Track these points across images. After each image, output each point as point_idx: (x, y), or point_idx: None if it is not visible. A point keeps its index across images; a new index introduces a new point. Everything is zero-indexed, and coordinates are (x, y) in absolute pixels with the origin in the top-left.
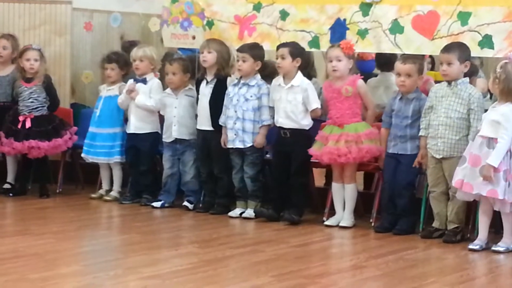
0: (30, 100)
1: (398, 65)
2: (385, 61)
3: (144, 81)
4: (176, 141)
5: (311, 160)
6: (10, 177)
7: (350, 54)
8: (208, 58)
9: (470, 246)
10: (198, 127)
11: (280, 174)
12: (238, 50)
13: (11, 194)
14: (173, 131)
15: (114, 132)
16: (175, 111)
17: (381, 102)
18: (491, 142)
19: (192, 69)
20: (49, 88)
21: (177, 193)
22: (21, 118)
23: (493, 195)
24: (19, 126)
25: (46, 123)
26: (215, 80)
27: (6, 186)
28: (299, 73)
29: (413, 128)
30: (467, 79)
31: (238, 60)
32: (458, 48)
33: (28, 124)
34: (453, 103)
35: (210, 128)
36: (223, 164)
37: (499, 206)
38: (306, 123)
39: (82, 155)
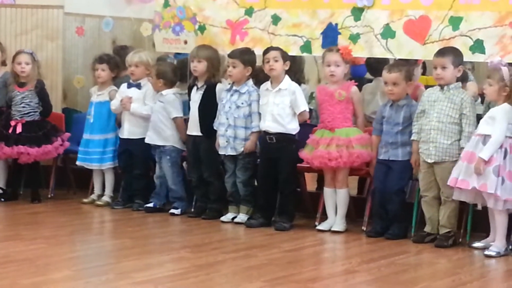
0: (22, 105)
1: (384, 74)
2: (376, 67)
3: (139, 86)
4: (154, 146)
5: (302, 165)
6: (1, 182)
7: (348, 59)
8: (199, 68)
9: (486, 252)
10: (189, 133)
11: (266, 182)
12: (228, 56)
13: (2, 199)
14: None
15: (105, 138)
16: (152, 116)
17: (378, 109)
18: (486, 139)
19: (183, 73)
20: (41, 93)
21: (167, 196)
22: (12, 123)
23: (484, 189)
24: (10, 131)
25: (37, 129)
26: (204, 86)
27: None
28: (287, 77)
29: (404, 134)
30: (460, 83)
31: (228, 66)
32: (452, 53)
33: (19, 129)
34: (445, 107)
35: (199, 133)
36: (212, 169)
37: (492, 203)
38: (293, 127)
39: (77, 162)
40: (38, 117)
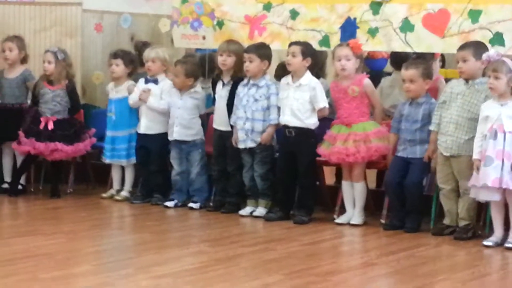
0: (54, 103)
1: (402, 71)
2: (399, 60)
3: (156, 82)
4: (180, 141)
5: (320, 158)
6: (7, 176)
7: (358, 53)
8: (228, 62)
9: (485, 242)
10: (215, 127)
11: (285, 175)
12: (244, 51)
13: (14, 195)
14: (174, 132)
15: (129, 134)
16: (178, 112)
17: (397, 103)
18: None
19: (202, 68)
20: (73, 93)
21: (187, 192)
22: (43, 120)
23: None
24: (41, 127)
25: (68, 127)
26: (231, 82)
27: (5, 186)
28: (308, 72)
29: (423, 132)
30: (486, 79)
31: (245, 61)
32: (473, 45)
33: (50, 126)
34: (468, 103)
35: (227, 128)
36: (237, 162)
37: None
38: (311, 122)
39: (106, 160)
40: (67, 115)
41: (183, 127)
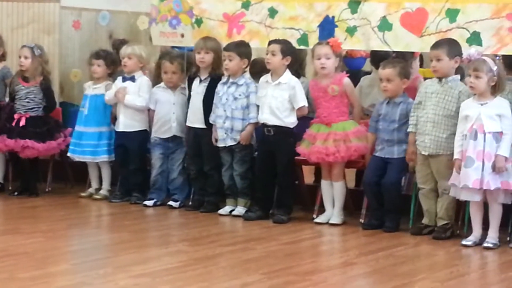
0: (27, 100)
1: (379, 70)
2: (379, 59)
3: (133, 79)
4: (170, 138)
5: (299, 158)
6: None
7: (338, 52)
8: (206, 59)
9: (464, 242)
10: (190, 125)
11: (264, 174)
12: (224, 49)
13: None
14: (173, 128)
15: (100, 131)
16: (174, 108)
17: (377, 102)
18: (498, 136)
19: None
20: (47, 90)
21: (167, 190)
22: (16, 116)
23: (507, 187)
24: (13, 124)
25: (41, 124)
26: (209, 79)
27: None
28: (288, 71)
29: (400, 131)
30: (458, 76)
31: (224, 59)
32: (446, 44)
33: (22, 123)
34: (443, 100)
35: (202, 126)
36: (213, 161)
37: (502, 198)
38: (290, 121)
39: (68, 154)
40: (42, 112)
41: (178, 123)
